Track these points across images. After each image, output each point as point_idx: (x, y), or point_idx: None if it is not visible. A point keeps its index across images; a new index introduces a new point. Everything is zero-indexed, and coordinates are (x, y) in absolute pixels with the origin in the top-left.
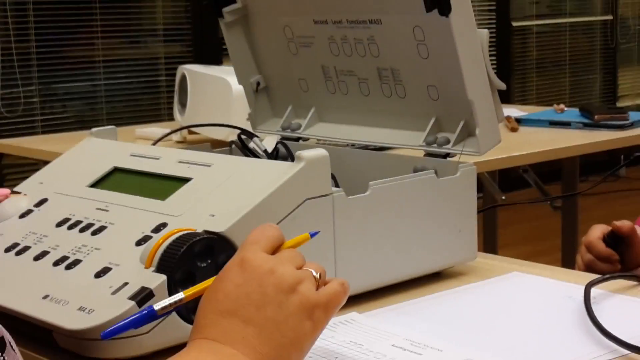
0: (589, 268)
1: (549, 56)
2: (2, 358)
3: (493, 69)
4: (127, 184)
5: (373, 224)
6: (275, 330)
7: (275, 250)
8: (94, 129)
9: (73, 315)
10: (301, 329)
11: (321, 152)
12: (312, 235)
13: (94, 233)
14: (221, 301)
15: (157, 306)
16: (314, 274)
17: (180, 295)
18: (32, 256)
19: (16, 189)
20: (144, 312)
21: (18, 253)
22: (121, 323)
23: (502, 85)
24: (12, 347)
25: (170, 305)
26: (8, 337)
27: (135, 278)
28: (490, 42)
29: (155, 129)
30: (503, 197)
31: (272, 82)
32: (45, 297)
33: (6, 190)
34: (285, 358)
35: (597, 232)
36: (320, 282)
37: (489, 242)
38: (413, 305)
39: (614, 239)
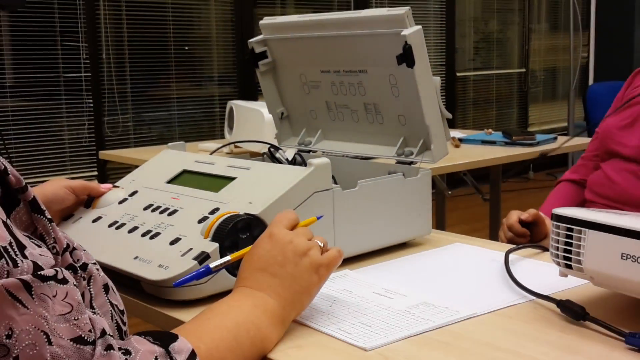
0: (509, 241)
1: (481, 96)
2: (107, 297)
3: (443, 104)
4: (192, 181)
5: (360, 210)
6: (293, 281)
7: (293, 227)
8: (169, 144)
9: (155, 270)
10: (310, 281)
11: (325, 160)
12: (319, 218)
13: (169, 214)
14: (256, 261)
15: (212, 265)
16: (319, 244)
17: (227, 258)
18: (127, 230)
19: (116, 184)
20: (202, 269)
21: (117, 228)
22: (188, 276)
23: (449, 115)
24: (113, 290)
25: (221, 264)
26: (111, 283)
27: (197, 245)
28: (441, 85)
29: (212, 144)
30: (449, 192)
31: (291, 112)
32: (136, 257)
33: (109, 185)
34: (299, 300)
35: (514, 216)
36: (323, 249)
37: (440, 223)
38: (387, 265)
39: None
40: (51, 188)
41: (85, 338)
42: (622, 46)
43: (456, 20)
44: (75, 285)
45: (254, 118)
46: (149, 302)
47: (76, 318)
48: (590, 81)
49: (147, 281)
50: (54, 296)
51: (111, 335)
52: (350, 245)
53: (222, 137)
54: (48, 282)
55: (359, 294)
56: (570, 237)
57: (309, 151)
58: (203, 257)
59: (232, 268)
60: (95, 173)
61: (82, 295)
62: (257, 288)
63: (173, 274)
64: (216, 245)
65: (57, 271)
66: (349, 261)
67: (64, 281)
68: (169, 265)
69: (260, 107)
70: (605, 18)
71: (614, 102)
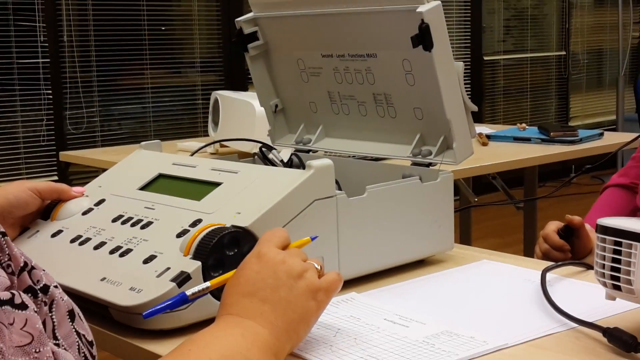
0: (545, 256)
1: (513, 84)
2: (73, 326)
3: (467, 94)
4: (169, 187)
5: (369, 221)
6: (287, 308)
7: (284, 248)
8: (142, 143)
9: (125, 294)
10: (307, 307)
11: (327, 161)
12: (313, 238)
13: (143, 227)
14: (243, 285)
15: (188, 292)
16: (316, 266)
17: (207, 284)
18: (92, 246)
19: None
20: (177, 298)
21: (81, 243)
22: (159, 306)
23: (474, 108)
24: (80, 317)
25: (199, 291)
26: (77, 309)
27: (175, 264)
28: (465, 72)
29: (193, 143)
30: (475, 199)
31: (287, 105)
32: (103, 279)
33: (82, 188)
34: (295, 330)
35: (552, 226)
36: (320, 272)
37: (464, 236)
38: (401, 287)
39: (566, 232)
40: (13, 191)
41: None
42: None
43: None
44: (35, 311)
45: (243, 111)
46: (118, 332)
47: (37, 350)
48: None
49: (116, 307)
50: (11, 324)
51: None
52: (357, 263)
53: (206, 134)
54: (3, 307)
55: (368, 322)
56: (619, 252)
57: (308, 151)
58: (183, 278)
59: (218, 291)
60: (56, 177)
61: (44, 322)
62: (245, 316)
63: (147, 299)
64: (198, 263)
65: (13, 294)
66: (356, 282)
67: (23, 306)
68: (142, 287)
69: (250, 99)
70: None
71: None
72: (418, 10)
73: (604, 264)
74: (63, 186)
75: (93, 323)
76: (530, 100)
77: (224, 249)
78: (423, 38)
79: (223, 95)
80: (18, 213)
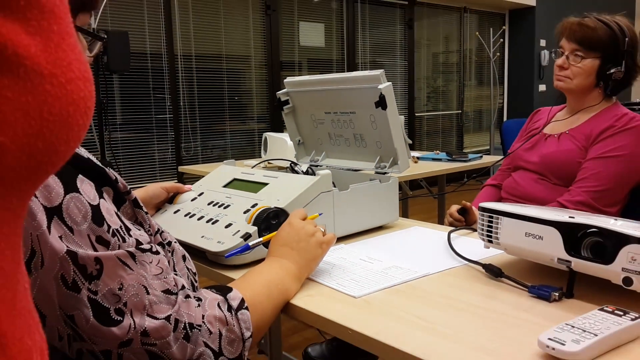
0: (450, 225)
1: (431, 128)
2: (185, 264)
3: (406, 133)
4: (239, 186)
5: (351, 204)
6: (305, 252)
7: (303, 219)
8: (224, 161)
9: (215, 244)
10: (317, 253)
11: (327, 171)
12: (320, 214)
13: (224, 208)
14: (280, 240)
15: (251, 243)
16: (321, 229)
17: (260, 239)
18: (196, 218)
19: (191, 187)
20: (244, 247)
21: (190, 217)
22: (234, 251)
23: (410, 141)
24: (189, 259)
25: (256, 243)
26: (187, 254)
27: (243, 228)
28: (405, 121)
29: (253, 162)
30: (410, 193)
31: (305, 140)
32: (202, 236)
33: (190, 186)
34: (309, 266)
35: (454, 207)
36: (324, 233)
37: (404, 213)
38: (369, 241)
39: (462, 211)
40: (151, 188)
41: (172, 290)
42: (525, 94)
43: (415, 78)
44: (164, 255)
45: (280, 144)
46: (211, 266)
47: (165, 277)
48: (505, 118)
49: (210, 252)
50: (150, 262)
51: (188, 289)
52: (344, 227)
53: (260, 156)
54: (146, 253)
55: (351, 260)
56: (491, 222)
57: (317, 166)
58: (247, 236)
59: (266, 243)
60: (175, 181)
61: (168, 262)
62: (282, 257)
63: (227, 247)
64: (255, 228)
65: (152, 246)
66: (343, 239)
67: (157, 253)
68: (224, 241)
69: (285, 137)
70: (514, 75)
71: (520, 132)
72: (379, 87)
73: (482, 228)
74: (180, 185)
75: (197, 261)
76: (441, 137)
77: (270, 220)
78: (381, 103)
79: (270, 135)
80: (154, 201)
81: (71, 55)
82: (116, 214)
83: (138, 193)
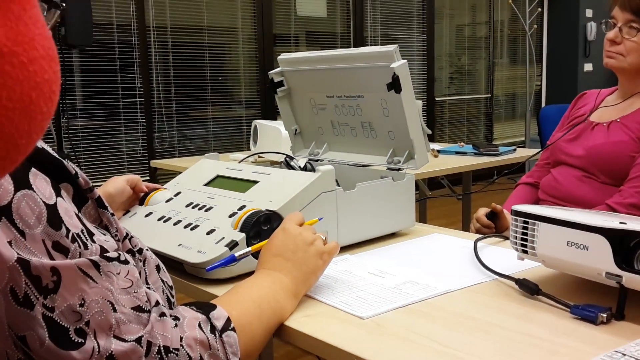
0: (477, 231)
1: (455, 116)
2: (159, 276)
3: (424, 122)
4: (224, 184)
5: (358, 207)
6: (303, 264)
7: (300, 225)
8: (206, 154)
9: (194, 254)
10: (316, 264)
11: (330, 167)
12: (320, 219)
13: (206, 210)
14: (273, 249)
15: (237, 254)
16: (322, 237)
17: (248, 249)
18: (172, 223)
19: (164, 186)
20: (229, 258)
21: (165, 221)
22: (217, 263)
23: (429, 131)
24: (164, 270)
25: (243, 254)
26: (161, 264)
27: (228, 235)
28: (423, 107)
29: (240, 155)
30: (429, 193)
31: (303, 129)
32: (179, 245)
33: (158, 185)
34: (308, 279)
35: (481, 211)
36: (325, 241)
37: (422, 217)
38: (380, 251)
39: (491, 215)
40: (111, 184)
41: (143, 307)
42: (568, 75)
43: (435, 55)
44: (134, 265)
45: (273, 134)
46: (190, 280)
47: (135, 291)
48: (543, 104)
49: (188, 263)
50: (118, 273)
51: (163, 306)
52: (350, 234)
53: (248, 149)
54: (112, 262)
55: (357, 274)
56: (527, 228)
57: (317, 160)
58: (233, 245)
59: (256, 253)
60: (148, 178)
61: (139, 273)
62: (275, 269)
63: (209, 258)
64: (243, 235)
65: (119, 254)
66: (348, 248)
67: (125, 262)
68: (205, 250)
69: (278, 125)
70: (554, 52)
71: (562, 120)
72: (391, 66)
73: (516, 236)
74: (136, 177)
75: (173, 274)
76: (466, 126)
77: (260, 225)
78: (394, 85)
79: (260, 123)
80: (118, 199)
81: (34, 29)
82: (77, 215)
83: (99, 190)
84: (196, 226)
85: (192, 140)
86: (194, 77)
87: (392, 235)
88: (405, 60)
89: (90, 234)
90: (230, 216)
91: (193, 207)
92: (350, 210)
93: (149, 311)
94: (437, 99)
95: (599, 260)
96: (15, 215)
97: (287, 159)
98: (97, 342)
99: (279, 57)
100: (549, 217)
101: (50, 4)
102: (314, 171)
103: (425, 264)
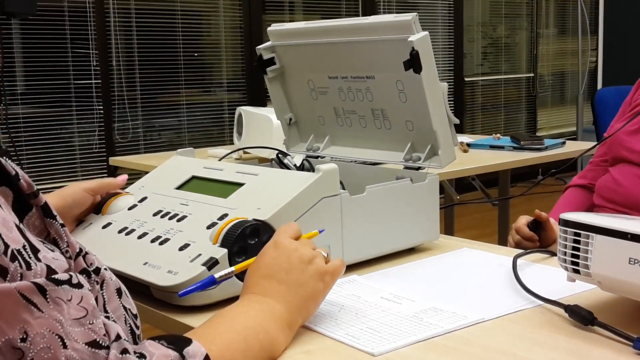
0: (517, 245)
1: (489, 101)
2: (120, 302)
3: (450, 109)
4: (201, 187)
5: (368, 215)
6: (299, 288)
7: (296, 238)
8: (178, 150)
9: (164, 276)
10: (316, 288)
11: (332, 165)
12: (320, 232)
13: (178, 220)
14: (262, 269)
15: (217, 275)
16: (323, 253)
17: (232, 269)
18: (136, 236)
19: (126, 190)
20: (207, 280)
21: (127, 234)
22: (192, 286)
23: (456, 120)
24: (126, 294)
25: (225, 275)
26: (123, 287)
27: (206, 251)
28: (449, 91)
29: (221, 150)
30: (457, 197)
31: (300, 118)
32: (145, 263)
33: (124, 176)
34: (305, 306)
35: (522, 220)
36: (327, 259)
37: (448, 228)
38: (395, 270)
39: (534, 225)
40: (69, 192)
41: (100, 342)
42: (631, 50)
43: (464, 26)
44: (89, 289)
45: (262, 124)
46: (158, 307)
47: (91, 322)
48: (599, 85)
49: (156, 287)
50: (69, 300)
51: (126, 340)
52: (358, 250)
53: (231, 143)
54: (62, 286)
55: (367, 300)
56: (578, 242)
57: (317, 157)
58: (212, 263)
59: (241, 274)
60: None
61: (96, 299)
62: (264, 294)
63: (182, 280)
64: (225, 250)
65: (71, 275)
66: (356, 266)
67: (79, 285)
68: (178, 271)
69: (268, 113)
70: (613, 21)
71: (622, 106)
72: (409, 39)
73: (565, 252)
74: (110, 180)
75: (137, 300)
76: (503, 114)
77: (246, 239)
78: (413, 62)
79: (246, 110)
80: (75, 211)
81: None
82: (17, 227)
83: (51, 199)
84: (166, 240)
85: (161, 132)
86: (164, 52)
87: (411, 251)
88: (427, 32)
89: (35, 251)
90: (208, 227)
91: (162, 216)
92: (358, 219)
93: (108, 347)
94: (466, 79)
95: None
96: None
97: (280, 155)
98: None
99: (268, 29)
100: (607, 228)
101: None
102: (313, 171)
103: (451, 286)
